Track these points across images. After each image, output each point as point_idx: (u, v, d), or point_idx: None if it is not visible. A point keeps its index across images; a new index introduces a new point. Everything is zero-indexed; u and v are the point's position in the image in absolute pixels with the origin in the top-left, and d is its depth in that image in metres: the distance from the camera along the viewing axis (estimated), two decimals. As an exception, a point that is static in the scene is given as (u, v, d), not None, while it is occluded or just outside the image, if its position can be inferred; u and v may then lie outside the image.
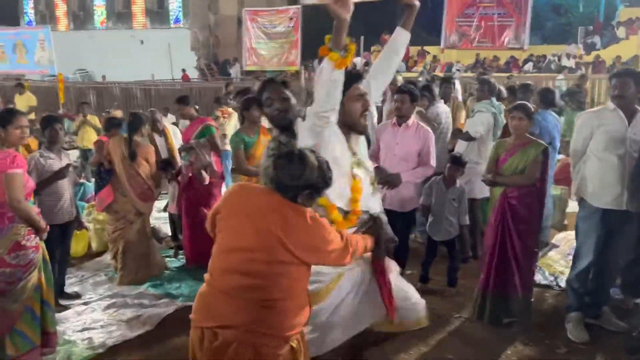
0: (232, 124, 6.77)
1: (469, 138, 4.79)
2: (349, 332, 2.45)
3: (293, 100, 2.78)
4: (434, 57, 20.73)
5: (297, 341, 2.11)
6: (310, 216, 2.01)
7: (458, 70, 17.75)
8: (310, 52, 24.35)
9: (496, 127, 4.70)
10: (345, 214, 2.36)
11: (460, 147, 4.95)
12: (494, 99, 4.75)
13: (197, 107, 5.40)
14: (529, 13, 20.82)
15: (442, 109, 5.30)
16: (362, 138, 2.54)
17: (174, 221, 5.39)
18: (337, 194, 2.31)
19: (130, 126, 4.67)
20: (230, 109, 7.06)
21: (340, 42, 2.12)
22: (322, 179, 2.04)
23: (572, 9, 23.11)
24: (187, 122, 5.59)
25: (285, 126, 2.67)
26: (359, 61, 19.09)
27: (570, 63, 17.12)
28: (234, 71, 20.40)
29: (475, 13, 21.36)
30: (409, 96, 4.07)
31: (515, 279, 3.66)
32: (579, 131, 3.64)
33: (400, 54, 2.61)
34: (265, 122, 5.16)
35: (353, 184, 2.37)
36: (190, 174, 4.95)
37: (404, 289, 2.62)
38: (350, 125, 2.43)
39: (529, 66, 17.89)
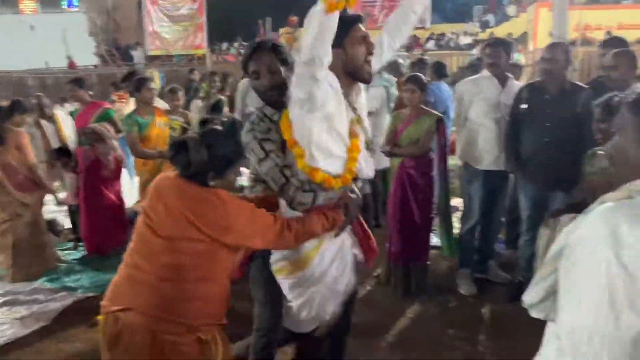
0: (130, 108, 6.55)
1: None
2: (337, 300, 2.36)
3: (284, 72, 2.25)
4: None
5: (210, 335, 2.01)
6: (220, 196, 1.94)
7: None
8: (217, 35, 23.85)
9: (389, 99, 4.87)
10: (337, 175, 2.16)
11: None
12: (383, 73, 4.92)
13: (91, 92, 5.15)
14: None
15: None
16: (363, 91, 2.31)
17: (72, 212, 5.16)
18: (327, 156, 2.10)
19: (2, 114, 4.35)
20: (127, 94, 6.82)
21: None
22: (228, 157, 2.00)
23: (467, -11, 24.20)
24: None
25: (278, 104, 2.24)
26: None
27: (468, 40, 18.00)
28: (137, 56, 19.52)
29: (379, -6, 21.85)
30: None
31: (416, 246, 3.86)
32: (460, 99, 3.87)
33: (418, 11, 2.36)
34: (159, 104, 5.08)
35: (351, 143, 2.17)
36: (92, 159, 4.72)
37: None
38: (352, 72, 2.15)
39: (431, 44, 18.59)
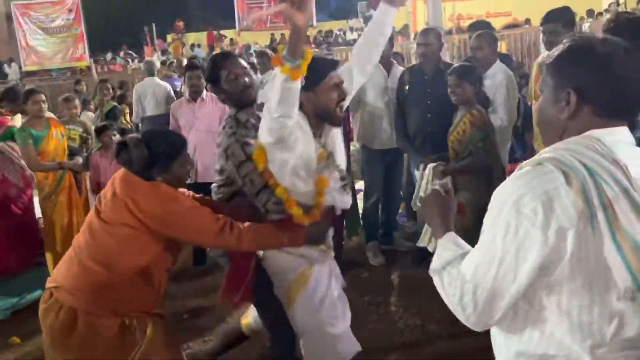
0: (18, 123, 6.20)
1: (263, 107, 5.12)
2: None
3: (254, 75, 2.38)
4: (231, 40, 20.93)
5: (138, 321, 2.06)
6: (161, 190, 2.05)
7: (255, 50, 18.16)
8: (99, 45, 22.80)
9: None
10: (308, 208, 2.21)
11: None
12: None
13: None
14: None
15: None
16: (337, 130, 2.34)
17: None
18: (300, 189, 2.19)
19: None
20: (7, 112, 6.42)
21: (296, 51, 1.86)
22: (167, 152, 2.12)
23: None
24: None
25: (249, 103, 2.40)
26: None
27: (354, 36, 18.75)
28: (12, 72, 18.13)
29: (265, -7, 22.05)
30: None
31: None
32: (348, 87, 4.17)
33: (387, 34, 2.34)
34: (52, 114, 4.89)
35: (319, 178, 2.22)
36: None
37: None
38: (324, 116, 2.21)
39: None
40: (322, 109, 2.18)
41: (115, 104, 6.04)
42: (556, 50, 1.22)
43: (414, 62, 4.06)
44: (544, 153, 1.15)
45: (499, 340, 1.26)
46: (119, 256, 2.02)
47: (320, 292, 2.29)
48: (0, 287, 4.35)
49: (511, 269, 1.10)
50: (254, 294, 2.41)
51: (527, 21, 15.54)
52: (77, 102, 4.99)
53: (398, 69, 4.13)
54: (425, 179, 3.23)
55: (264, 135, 2.08)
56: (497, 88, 3.67)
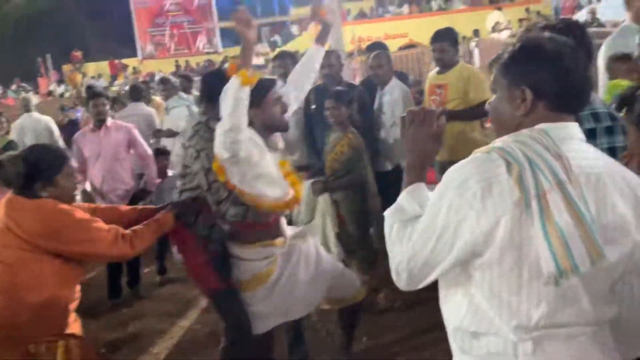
0: None
1: (172, 134, 5.10)
2: (309, 304, 2.59)
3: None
4: (134, 68, 20.44)
5: (46, 347, 1.98)
6: (45, 206, 2.01)
7: (161, 79, 17.91)
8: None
9: (192, 117, 5.11)
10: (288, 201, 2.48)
11: (168, 143, 5.23)
12: (181, 93, 5.14)
13: None
14: (215, 19, 22.28)
15: (146, 110, 5.48)
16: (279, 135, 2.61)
17: None
18: (268, 194, 2.39)
19: None
20: None
21: (249, 61, 2.20)
22: (47, 164, 2.08)
23: (252, 12, 25.46)
24: None
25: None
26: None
27: (260, 60, 18.99)
28: None
29: (166, 22, 21.87)
30: None
31: None
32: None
33: (317, 70, 2.80)
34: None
35: (284, 172, 2.49)
36: None
37: (339, 266, 2.83)
38: (273, 127, 2.49)
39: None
40: (270, 120, 2.46)
41: (11, 138, 5.71)
42: (507, 52, 1.29)
43: (318, 82, 4.26)
44: (496, 143, 1.22)
45: (444, 316, 1.33)
46: (13, 281, 1.95)
47: (277, 287, 2.47)
48: None
49: (447, 245, 1.17)
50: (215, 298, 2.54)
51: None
52: None
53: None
54: (306, 195, 3.41)
55: (219, 151, 2.26)
56: (394, 103, 3.96)
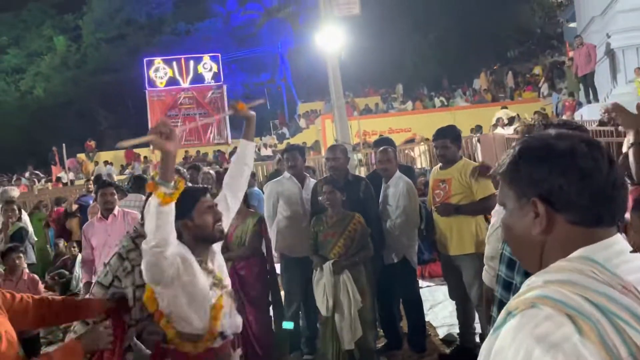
0: None
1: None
2: None
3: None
4: (145, 158, 21.00)
5: None
6: None
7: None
8: (4, 167, 21.90)
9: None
10: (199, 337, 2.25)
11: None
12: (189, 184, 5.28)
13: None
14: (226, 112, 23.14)
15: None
16: (218, 253, 2.48)
17: None
18: (194, 322, 2.24)
19: None
20: None
21: (167, 175, 2.03)
22: None
23: (262, 106, 26.61)
24: None
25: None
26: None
27: (268, 152, 19.52)
28: None
29: (179, 114, 22.72)
30: None
31: (254, 344, 3.79)
32: (268, 198, 4.37)
33: (250, 164, 2.72)
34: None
35: (213, 305, 2.28)
36: None
37: None
38: (204, 238, 2.33)
39: (234, 157, 19.64)
40: (201, 230, 2.31)
41: (21, 224, 5.80)
42: (508, 156, 1.04)
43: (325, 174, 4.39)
44: (532, 288, 0.89)
45: None
46: None
47: None
48: None
49: None
50: None
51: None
52: None
53: (311, 181, 4.41)
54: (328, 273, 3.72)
55: (146, 275, 2.15)
56: (400, 195, 4.05)
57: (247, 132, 2.74)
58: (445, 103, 21.70)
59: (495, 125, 12.80)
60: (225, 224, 2.49)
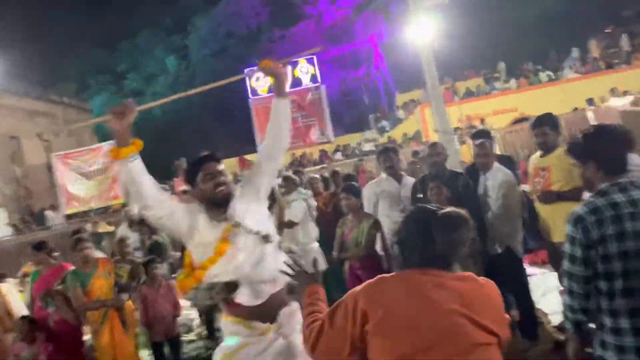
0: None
1: (292, 224, 5.56)
2: None
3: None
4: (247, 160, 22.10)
5: None
6: None
7: (280, 170, 19.15)
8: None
9: (310, 209, 5.54)
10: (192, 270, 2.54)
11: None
12: (300, 188, 5.64)
13: (55, 253, 5.30)
14: (326, 111, 23.66)
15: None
16: (245, 205, 2.62)
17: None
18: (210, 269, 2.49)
19: None
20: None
21: (123, 142, 2.38)
22: None
23: (359, 102, 26.85)
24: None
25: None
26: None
27: (370, 146, 19.70)
28: (52, 217, 19.25)
29: (282, 119, 23.56)
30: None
31: None
32: (368, 200, 4.58)
33: (285, 120, 2.71)
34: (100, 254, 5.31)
35: (217, 247, 2.49)
36: (55, 321, 4.80)
37: None
38: (211, 200, 2.57)
39: (338, 155, 20.11)
40: (206, 196, 2.58)
41: (157, 238, 6.49)
42: None
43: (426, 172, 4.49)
44: None
45: None
46: None
47: None
48: None
49: None
50: None
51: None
52: (130, 241, 5.40)
53: (408, 180, 4.55)
54: None
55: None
56: (499, 186, 4.06)
57: (278, 90, 2.78)
58: (553, 77, 20.40)
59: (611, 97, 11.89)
60: (264, 187, 2.73)
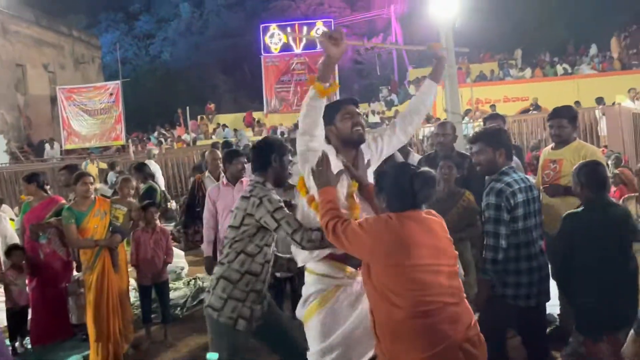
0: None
1: (291, 187, 5.51)
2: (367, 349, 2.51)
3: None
4: (258, 121, 21.98)
5: None
6: None
7: (282, 132, 19.02)
8: (134, 126, 24.14)
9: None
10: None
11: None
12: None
13: (48, 186, 5.21)
14: (337, 76, 23.40)
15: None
16: (361, 153, 2.71)
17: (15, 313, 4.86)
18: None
19: None
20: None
21: (326, 76, 2.34)
22: None
23: (371, 72, 26.55)
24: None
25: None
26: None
27: (376, 118, 19.55)
28: (53, 151, 19.20)
29: (291, 80, 23.36)
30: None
31: None
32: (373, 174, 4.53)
33: (429, 105, 2.86)
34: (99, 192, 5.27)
35: (350, 203, 2.56)
36: (46, 253, 4.82)
37: None
38: (345, 139, 2.64)
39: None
40: (342, 135, 2.64)
41: (151, 183, 6.43)
42: None
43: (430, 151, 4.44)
44: None
45: None
46: None
47: (334, 320, 2.53)
48: (38, 353, 4.65)
49: None
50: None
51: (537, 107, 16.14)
52: (134, 183, 5.26)
53: (415, 156, 4.50)
54: None
55: (300, 163, 2.53)
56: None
57: (435, 74, 2.86)
58: (569, 71, 20.12)
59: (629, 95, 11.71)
60: (385, 151, 2.81)
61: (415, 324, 2.14)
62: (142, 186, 6.32)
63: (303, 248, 2.58)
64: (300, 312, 2.68)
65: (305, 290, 2.66)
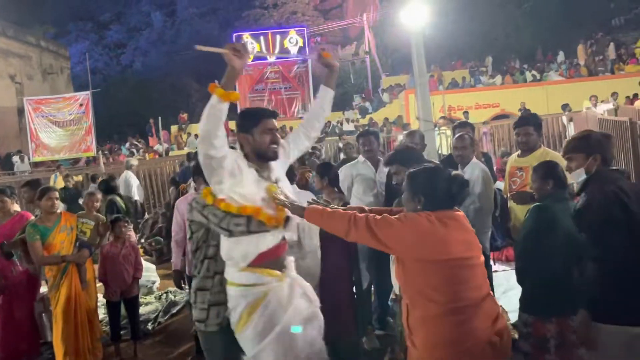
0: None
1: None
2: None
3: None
4: (233, 130, 21.78)
5: None
6: None
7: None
8: (106, 137, 23.76)
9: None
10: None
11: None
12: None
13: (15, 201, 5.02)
14: (310, 86, 23.47)
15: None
16: (278, 164, 2.77)
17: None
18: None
19: None
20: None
21: (230, 86, 2.40)
22: None
23: (345, 81, 26.66)
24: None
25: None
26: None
27: (350, 127, 19.63)
28: (24, 165, 18.67)
29: (265, 88, 23.35)
30: None
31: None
32: (343, 181, 4.52)
33: (327, 110, 2.96)
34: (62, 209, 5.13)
35: (270, 195, 2.58)
36: (19, 272, 4.67)
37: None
38: (260, 154, 2.65)
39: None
40: (257, 148, 2.64)
41: (112, 196, 6.36)
42: None
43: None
44: None
45: None
46: None
47: (268, 322, 2.54)
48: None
49: None
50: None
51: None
52: (99, 196, 5.15)
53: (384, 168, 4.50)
54: None
55: (206, 175, 2.56)
56: (474, 182, 4.04)
57: (329, 80, 2.95)
58: (538, 77, 20.57)
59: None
60: (292, 155, 2.91)
61: (450, 320, 2.26)
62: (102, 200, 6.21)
63: (231, 235, 2.57)
64: (233, 324, 2.66)
65: (232, 304, 2.64)
